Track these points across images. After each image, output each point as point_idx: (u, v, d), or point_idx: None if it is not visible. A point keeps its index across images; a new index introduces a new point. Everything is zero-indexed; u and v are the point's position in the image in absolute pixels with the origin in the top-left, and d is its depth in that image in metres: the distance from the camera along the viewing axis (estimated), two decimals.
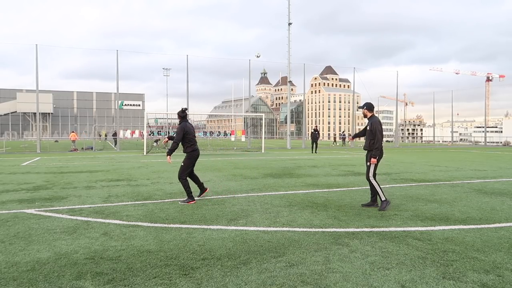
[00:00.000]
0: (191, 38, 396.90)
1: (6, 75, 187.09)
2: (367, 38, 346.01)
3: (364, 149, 6.59)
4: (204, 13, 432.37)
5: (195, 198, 6.95)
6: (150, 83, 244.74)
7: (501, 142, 52.81)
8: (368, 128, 6.52)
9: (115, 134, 33.85)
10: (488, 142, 49.57)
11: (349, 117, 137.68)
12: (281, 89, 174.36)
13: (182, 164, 6.97)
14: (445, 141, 69.31)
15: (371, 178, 6.41)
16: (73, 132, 33.08)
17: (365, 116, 6.68)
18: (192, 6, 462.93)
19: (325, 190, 8.44)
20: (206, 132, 42.52)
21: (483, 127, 53.81)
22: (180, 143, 6.96)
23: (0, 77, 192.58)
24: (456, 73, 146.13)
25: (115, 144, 32.36)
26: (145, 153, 23.25)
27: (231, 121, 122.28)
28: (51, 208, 6.46)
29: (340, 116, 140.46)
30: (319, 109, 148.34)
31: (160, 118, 44.00)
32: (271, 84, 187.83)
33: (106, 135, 57.86)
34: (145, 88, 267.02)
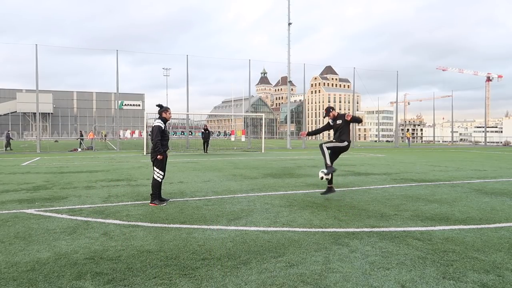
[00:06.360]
0: (199, 41, 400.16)
1: (15, 76, 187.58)
2: (368, 40, 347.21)
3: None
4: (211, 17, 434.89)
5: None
6: (152, 83, 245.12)
7: (501, 142, 52.79)
8: (339, 122, 7.36)
9: (82, 135, 33.96)
10: (488, 142, 49.56)
11: None
12: (281, 89, 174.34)
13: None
14: (445, 141, 69.31)
15: (325, 147, 7.31)
16: (91, 131, 34.59)
17: (334, 117, 7.41)
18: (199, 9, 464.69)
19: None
20: None
21: (483, 127, 53.79)
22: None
23: (9, 78, 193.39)
24: (460, 72, 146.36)
25: (80, 145, 31.29)
26: (145, 153, 23.25)
27: (231, 121, 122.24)
28: (51, 208, 6.46)
29: None
30: (319, 109, 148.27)
31: None
32: (271, 84, 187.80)
33: (105, 135, 58.04)
34: (147, 89, 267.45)
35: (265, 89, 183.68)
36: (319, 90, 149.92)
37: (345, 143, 7.35)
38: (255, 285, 3.27)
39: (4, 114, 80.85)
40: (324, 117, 7.70)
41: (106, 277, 3.44)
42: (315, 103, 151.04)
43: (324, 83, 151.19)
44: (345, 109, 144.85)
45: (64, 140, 61.34)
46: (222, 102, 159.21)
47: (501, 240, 4.53)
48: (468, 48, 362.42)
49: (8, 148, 29.08)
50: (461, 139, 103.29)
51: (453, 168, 13.61)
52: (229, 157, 20.56)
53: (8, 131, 33.89)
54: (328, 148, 7.35)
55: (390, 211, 6.20)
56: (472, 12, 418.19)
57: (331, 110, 7.50)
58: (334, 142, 7.35)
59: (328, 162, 7.18)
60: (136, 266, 3.71)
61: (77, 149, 28.62)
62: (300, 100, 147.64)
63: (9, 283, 3.31)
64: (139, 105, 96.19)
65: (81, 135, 33.61)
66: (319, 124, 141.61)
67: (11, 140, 30.89)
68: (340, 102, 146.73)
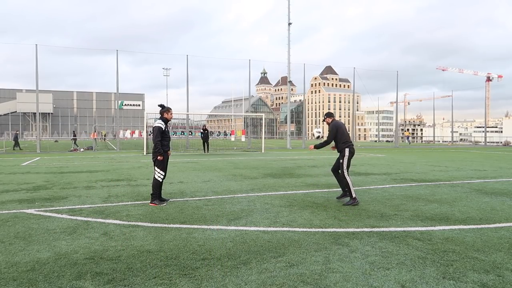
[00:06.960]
0: (199, 41, 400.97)
1: (15, 76, 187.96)
2: (369, 41, 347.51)
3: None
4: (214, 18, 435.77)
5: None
6: (152, 83, 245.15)
7: (501, 142, 52.75)
8: None
9: (75, 135, 34.48)
10: (488, 142, 49.56)
11: (349, 117, 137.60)
12: (281, 89, 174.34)
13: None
14: (445, 141, 69.30)
15: (346, 175, 6.90)
16: (92, 132, 35.78)
17: (328, 124, 7.17)
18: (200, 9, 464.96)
19: (325, 190, 8.44)
20: None
21: (483, 127, 53.79)
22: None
23: (9, 78, 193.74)
24: (460, 72, 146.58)
25: (73, 145, 32.05)
26: (145, 153, 23.25)
27: (231, 121, 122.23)
28: (51, 208, 6.46)
29: (340, 116, 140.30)
30: (319, 109, 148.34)
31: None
32: (271, 84, 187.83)
33: (105, 135, 58.13)
34: (147, 89, 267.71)
35: (265, 89, 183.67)
36: (319, 90, 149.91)
37: (345, 152, 6.93)
38: (255, 285, 3.27)
39: (4, 114, 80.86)
40: (323, 121, 7.55)
41: (106, 277, 3.44)
42: (315, 103, 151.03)
43: (324, 83, 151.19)
44: (345, 109, 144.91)
45: (64, 140, 61.34)
46: (222, 102, 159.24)
47: (501, 240, 4.53)
48: (468, 48, 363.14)
49: (16, 148, 29.50)
50: (461, 139, 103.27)
51: (453, 168, 13.61)
52: (229, 157, 20.55)
53: (16, 131, 34.27)
54: (348, 166, 6.97)
55: (390, 211, 6.20)
56: (472, 12, 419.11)
57: (326, 117, 7.27)
58: (343, 159, 6.94)
59: (354, 194, 6.77)
60: (136, 266, 3.71)
61: (78, 149, 28.60)
62: (300, 100, 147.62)
63: (9, 283, 3.31)
64: (139, 105, 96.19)
65: (74, 135, 33.84)
66: (318, 124, 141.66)
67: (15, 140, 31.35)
68: (340, 102, 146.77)
